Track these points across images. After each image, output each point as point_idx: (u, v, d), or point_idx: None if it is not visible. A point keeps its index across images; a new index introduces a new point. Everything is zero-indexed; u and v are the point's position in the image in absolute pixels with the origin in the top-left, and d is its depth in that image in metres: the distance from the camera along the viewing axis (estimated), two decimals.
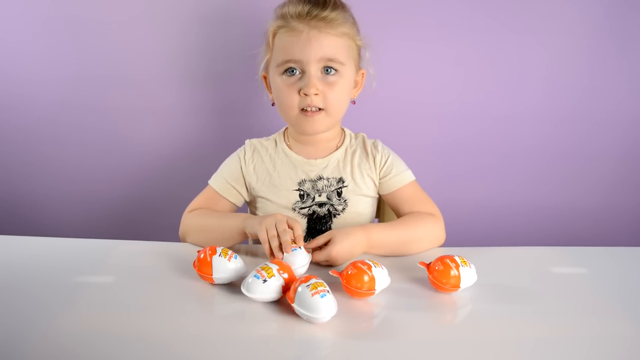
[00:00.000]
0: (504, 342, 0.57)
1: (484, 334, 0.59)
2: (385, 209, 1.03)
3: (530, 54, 1.18)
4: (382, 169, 0.92)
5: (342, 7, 0.85)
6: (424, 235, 0.83)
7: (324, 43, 0.81)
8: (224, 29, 1.16)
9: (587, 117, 1.24)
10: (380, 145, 0.95)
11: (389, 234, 0.81)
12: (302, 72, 0.83)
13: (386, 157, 0.93)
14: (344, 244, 0.75)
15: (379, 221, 1.04)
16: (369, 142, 0.95)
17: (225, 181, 0.91)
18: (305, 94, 0.83)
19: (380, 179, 0.92)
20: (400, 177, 0.91)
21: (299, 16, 0.81)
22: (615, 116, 1.24)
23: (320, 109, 0.85)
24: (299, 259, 0.71)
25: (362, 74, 0.92)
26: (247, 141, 0.96)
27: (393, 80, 1.17)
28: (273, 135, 0.97)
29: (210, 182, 0.92)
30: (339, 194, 0.90)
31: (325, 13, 0.81)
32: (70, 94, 1.20)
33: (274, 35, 0.85)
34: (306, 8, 0.81)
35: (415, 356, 0.54)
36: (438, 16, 1.15)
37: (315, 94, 0.83)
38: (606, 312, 0.64)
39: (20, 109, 1.22)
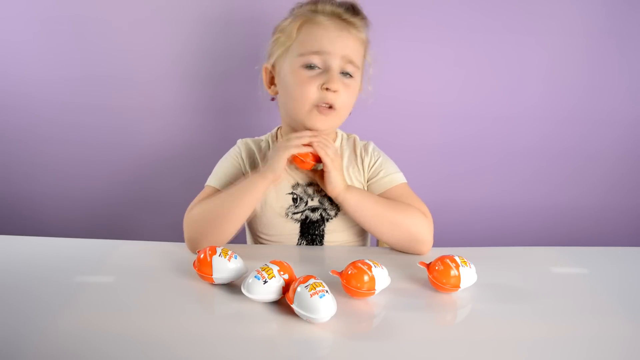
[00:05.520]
0: (504, 342, 0.57)
1: (484, 334, 0.59)
2: None
3: (530, 54, 1.18)
4: (370, 170, 0.92)
5: (366, 22, 0.88)
6: (404, 224, 0.81)
7: (350, 43, 0.84)
8: (224, 30, 1.16)
9: (587, 117, 1.24)
10: (371, 147, 0.94)
11: (367, 201, 0.83)
12: (324, 67, 0.83)
13: (375, 159, 0.92)
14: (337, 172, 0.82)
15: None
16: (359, 144, 0.95)
17: (227, 180, 0.89)
18: (327, 89, 0.82)
19: (368, 181, 0.91)
20: (390, 179, 0.90)
21: (332, 15, 0.84)
22: (615, 116, 1.24)
23: (331, 107, 0.84)
24: None
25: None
26: (239, 141, 0.95)
27: (393, 80, 1.17)
28: (265, 136, 0.97)
29: (208, 183, 0.89)
30: (330, 199, 0.88)
31: (354, 19, 0.85)
32: (70, 93, 1.20)
33: (301, 26, 0.85)
34: (339, 10, 0.85)
35: (415, 356, 0.54)
36: (437, 17, 1.15)
37: (335, 91, 0.83)
38: (606, 312, 0.64)
39: (20, 108, 1.22)
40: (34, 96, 1.20)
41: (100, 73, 1.18)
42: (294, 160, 0.83)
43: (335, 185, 0.81)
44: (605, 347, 0.56)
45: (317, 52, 0.83)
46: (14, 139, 1.24)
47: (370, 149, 0.93)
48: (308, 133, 0.83)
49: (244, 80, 1.18)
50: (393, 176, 0.90)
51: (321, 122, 0.85)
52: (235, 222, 0.81)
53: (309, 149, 0.82)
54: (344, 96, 0.84)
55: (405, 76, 1.19)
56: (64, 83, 1.19)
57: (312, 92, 0.83)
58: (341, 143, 0.95)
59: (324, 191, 0.88)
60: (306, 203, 0.89)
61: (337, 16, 0.84)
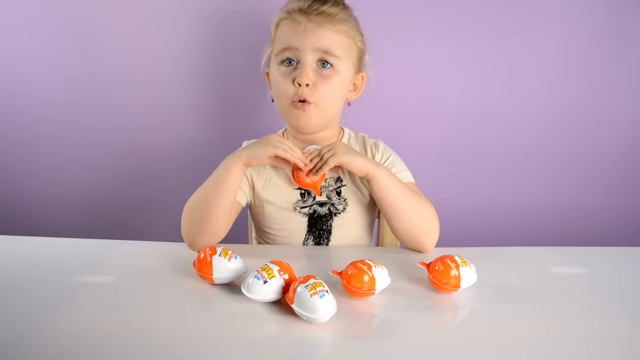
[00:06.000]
0: (504, 342, 0.57)
1: (484, 334, 0.59)
2: None
3: (530, 54, 1.18)
4: None
5: (344, 7, 0.87)
6: (419, 213, 0.82)
7: (321, 35, 0.83)
8: (225, 29, 1.16)
9: (587, 117, 1.24)
10: (381, 145, 0.95)
11: (395, 181, 0.82)
12: (299, 62, 0.84)
13: (387, 156, 0.93)
14: (353, 154, 0.81)
15: (379, 222, 1.04)
16: (369, 142, 0.95)
17: None
18: (299, 84, 0.83)
19: None
20: (400, 176, 0.90)
21: (300, 10, 0.84)
22: (615, 116, 1.24)
23: (304, 102, 0.84)
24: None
25: (362, 77, 0.92)
26: (244, 142, 0.96)
27: (393, 80, 1.17)
28: None
29: None
30: (339, 193, 0.90)
31: (324, 8, 0.84)
32: (69, 93, 1.20)
33: (276, 27, 0.88)
34: (308, 3, 0.84)
35: (415, 356, 0.54)
36: (437, 17, 1.15)
37: (307, 85, 0.83)
38: (606, 312, 0.64)
39: (20, 108, 1.22)
40: (33, 95, 1.20)
41: (100, 72, 1.18)
42: (297, 183, 0.85)
43: (360, 164, 0.81)
44: (605, 347, 0.56)
45: (288, 48, 0.84)
46: (14, 138, 1.24)
47: (381, 147, 0.94)
48: (298, 160, 0.81)
49: (246, 80, 1.18)
50: (403, 174, 0.91)
51: (301, 118, 0.86)
52: (219, 209, 0.80)
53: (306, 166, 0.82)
54: (323, 89, 0.84)
55: (405, 76, 1.19)
56: (64, 82, 1.19)
57: (289, 88, 0.85)
58: (348, 141, 0.95)
59: (332, 186, 0.89)
60: (314, 198, 0.89)
61: (307, 9, 0.84)
